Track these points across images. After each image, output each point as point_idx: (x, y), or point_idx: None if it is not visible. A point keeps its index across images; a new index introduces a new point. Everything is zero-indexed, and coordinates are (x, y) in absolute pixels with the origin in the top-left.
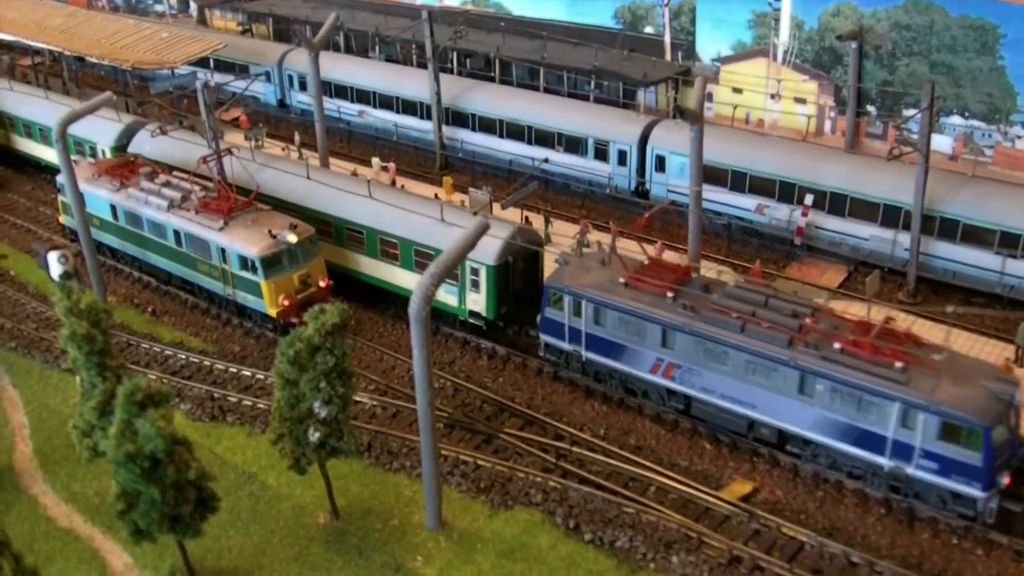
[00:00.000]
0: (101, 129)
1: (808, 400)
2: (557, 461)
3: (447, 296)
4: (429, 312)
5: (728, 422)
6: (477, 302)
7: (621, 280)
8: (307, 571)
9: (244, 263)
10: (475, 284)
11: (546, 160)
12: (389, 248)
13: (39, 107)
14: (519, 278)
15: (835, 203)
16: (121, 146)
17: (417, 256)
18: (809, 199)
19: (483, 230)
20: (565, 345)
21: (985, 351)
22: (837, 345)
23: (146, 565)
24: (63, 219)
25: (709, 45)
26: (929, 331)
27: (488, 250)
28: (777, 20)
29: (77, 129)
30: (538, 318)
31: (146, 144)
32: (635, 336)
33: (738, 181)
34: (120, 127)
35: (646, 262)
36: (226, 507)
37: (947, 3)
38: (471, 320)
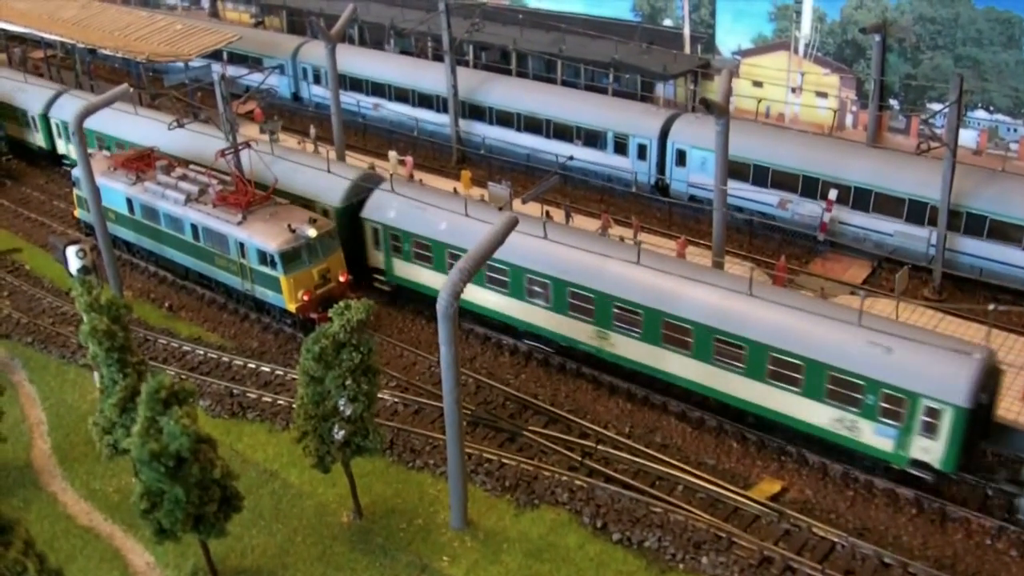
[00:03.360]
0: (324, 186)
1: None
2: (583, 460)
3: (876, 438)
4: (457, 308)
5: None
6: (929, 451)
7: None
8: (331, 571)
9: (263, 258)
10: (929, 428)
11: (571, 158)
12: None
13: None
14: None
15: (859, 198)
16: (349, 206)
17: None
18: (833, 194)
19: (512, 225)
20: None
21: (1015, 349)
22: None
23: (168, 564)
24: (78, 213)
25: (729, 38)
26: (957, 329)
27: (951, 384)
28: (799, 13)
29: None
30: None
31: (390, 211)
32: None
33: (760, 176)
34: (346, 184)
35: None
36: (248, 505)
37: None
38: (910, 470)
